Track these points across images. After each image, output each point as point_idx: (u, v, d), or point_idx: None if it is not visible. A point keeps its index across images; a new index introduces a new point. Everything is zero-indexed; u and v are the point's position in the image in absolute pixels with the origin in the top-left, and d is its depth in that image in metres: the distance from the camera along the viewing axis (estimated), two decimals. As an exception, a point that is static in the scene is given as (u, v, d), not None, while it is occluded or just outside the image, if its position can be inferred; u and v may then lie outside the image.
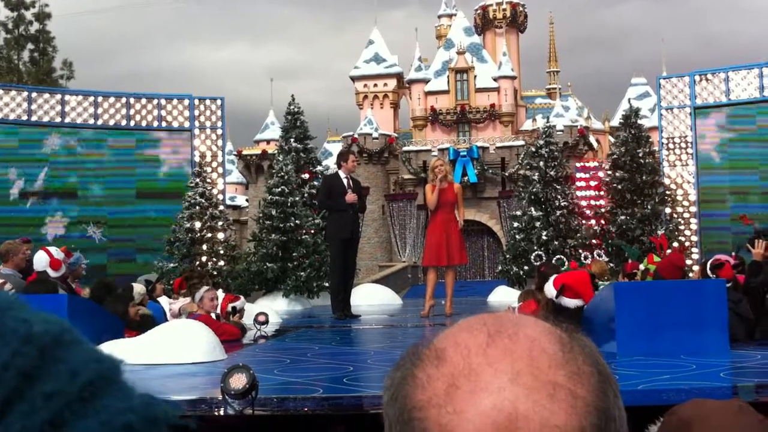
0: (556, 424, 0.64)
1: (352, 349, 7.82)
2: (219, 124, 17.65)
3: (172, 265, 14.88)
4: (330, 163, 30.49)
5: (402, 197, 53.52)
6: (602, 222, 18.48)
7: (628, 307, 5.99)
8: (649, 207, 17.53)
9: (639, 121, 18.87)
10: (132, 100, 17.34)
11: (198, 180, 15.82)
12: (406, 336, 8.77)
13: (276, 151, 22.68)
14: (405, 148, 55.25)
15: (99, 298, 7.73)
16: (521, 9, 62.96)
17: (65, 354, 0.56)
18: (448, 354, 0.70)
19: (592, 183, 22.43)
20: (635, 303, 6.05)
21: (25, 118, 16.59)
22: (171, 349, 5.87)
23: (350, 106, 65.34)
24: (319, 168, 21.89)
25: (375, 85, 60.23)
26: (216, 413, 4.05)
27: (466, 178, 51.04)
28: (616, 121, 43.77)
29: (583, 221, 18.81)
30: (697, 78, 17.95)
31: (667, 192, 17.82)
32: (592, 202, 20.49)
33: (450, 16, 65.62)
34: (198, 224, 15.44)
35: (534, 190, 17.96)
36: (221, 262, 15.44)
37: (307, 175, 20.47)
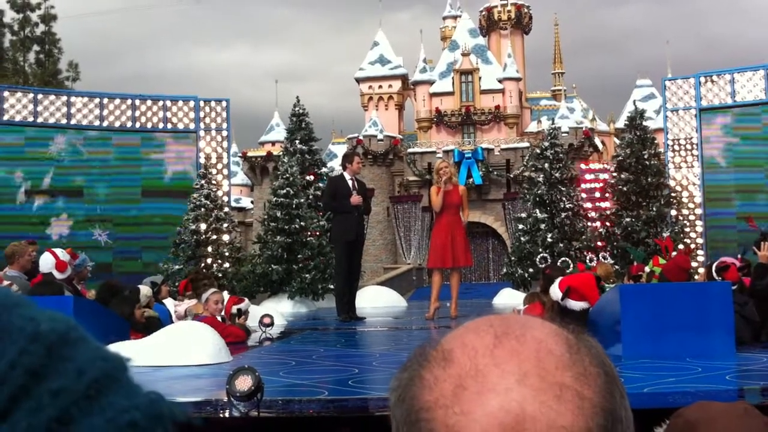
0: (563, 425, 0.64)
1: (357, 351, 7.82)
2: (224, 125, 17.67)
3: (177, 266, 14.91)
4: (335, 165, 30.51)
5: (407, 199, 53.52)
6: (607, 224, 18.45)
7: (633, 310, 5.98)
8: (654, 209, 17.50)
9: (644, 123, 18.83)
10: (137, 102, 17.38)
11: (203, 182, 15.84)
12: (411, 338, 8.76)
13: (281, 153, 22.70)
14: (410, 150, 55.25)
15: (104, 300, 7.74)
16: (526, 10, 62.94)
17: (72, 352, 0.57)
18: (455, 355, 0.70)
19: (597, 185, 22.40)
20: (641, 305, 6.04)
21: (31, 119, 16.64)
22: (176, 351, 5.88)
23: (355, 108, 65.26)
24: (324, 170, 21.91)
25: (380, 86, 60.23)
26: (221, 415, 4.05)
27: (470, 179, 51.03)
28: (621, 123, 43.76)
29: (588, 223, 18.79)
30: (702, 80, 17.93)
31: (673, 194, 17.79)
32: (597, 204, 20.47)
33: (455, 17, 65.61)
34: (203, 226, 15.46)
35: (539, 192, 17.94)
36: (226, 264, 15.45)
37: (312, 177, 20.49)
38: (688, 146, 17.89)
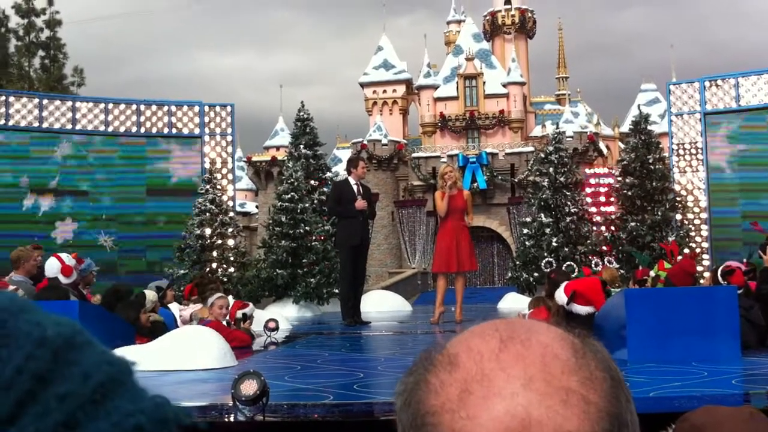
0: (569, 429, 0.64)
1: (362, 355, 7.82)
2: (229, 130, 17.69)
3: (182, 271, 14.92)
4: (339, 170, 30.52)
5: (411, 203, 53.52)
6: (612, 228, 18.42)
7: (639, 314, 5.97)
8: (659, 213, 17.47)
9: (649, 127, 18.81)
10: (142, 107, 17.42)
11: (208, 187, 15.86)
12: (416, 342, 8.76)
13: (285, 158, 22.74)
14: (414, 155, 55.26)
15: (110, 304, 7.76)
16: (530, 15, 62.95)
17: (78, 356, 0.57)
18: (461, 359, 0.70)
19: (602, 189, 22.37)
20: (646, 310, 6.04)
21: (36, 124, 16.69)
22: (182, 356, 5.89)
23: (359, 113, 65.39)
24: (328, 174, 21.94)
25: (384, 91, 60.27)
26: (226, 419, 4.06)
27: (475, 184, 51.01)
28: (625, 127, 43.65)
29: (594, 227, 18.76)
30: (707, 84, 17.91)
31: (678, 198, 17.76)
32: (602, 209, 20.44)
33: (459, 22, 65.66)
34: (208, 231, 15.48)
35: (544, 196, 17.93)
36: (231, 269, 15.47)
37: (316, 182, 20.51)
38: (693, 150, 17.87)
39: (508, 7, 62.32)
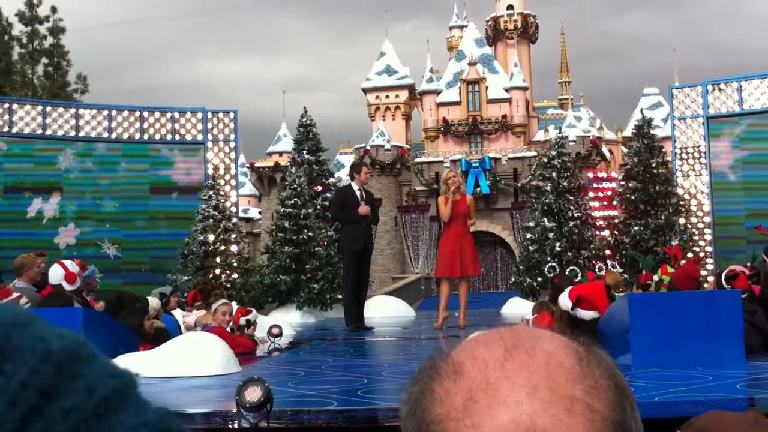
0: None
1: (366, 361, 7.81)
2: (232, 136, 17.71)
3: (185, 277, 14.93)
4: (342, 175, 30.53)
5: (414, 209, 53.52)
6: (615, 233, 18.40)
7: (642, 319, 5.96)
8: (662, 217, 17.44)
9: (652, 132, 18.79)
10: (146, 114, 17.45)
11: (211, 193, 15.88)
12: (419, 348, 8.75)
13: (288, 164, 22.73)
14: (417, 160, 55.28)
15: (113, 311, 7.76)
16: (532, 20, 62.99)
17: (82, 369, 0.57)
18: (466, 368, 0.70)
19: (606, 193, 22.35)
20: (650, 314, 6.03)
21: (39, 132, 16.73)
22: (186, 362, 5.88)
23: (362, 118, 65.44)
24: (331, 180, 21.93)
25: (387, 96, 60.32)
26: (230, 426, 4.05)
27: (478, 189, 51.02)
28: (628, 132, 43.58)
29: (597, 232, 18.75)
30: (710, 88, 17.90)
31: (681, 202, 17.74)
32: (606, 213, 20.42)
33: (461, 27, 65.73)
34: (211, 237, 15.49)
35: (547, 201, 17.92)
36: (235, 275, 15.47)
37: (319, 187, 20.51)
38: (696, 154, 17.86)
39: (511, 12, 62.37)
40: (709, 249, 17.51)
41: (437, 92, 58.14)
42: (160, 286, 14.27)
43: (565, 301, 6.95)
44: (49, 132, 16.78)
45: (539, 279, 16.76)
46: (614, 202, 19.42)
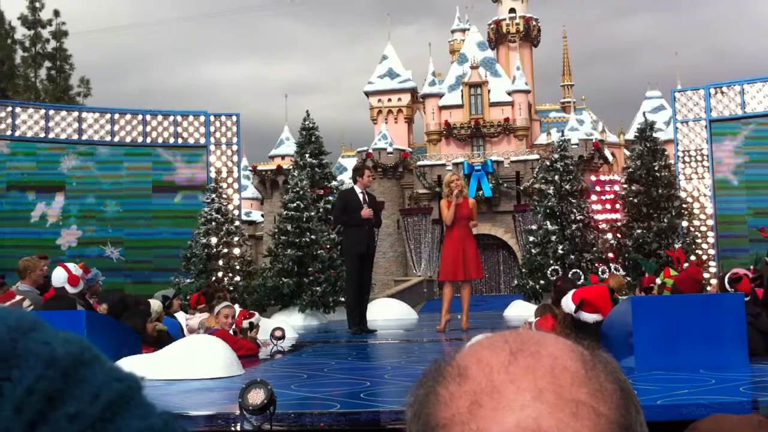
0: None
1: (368, 363, 7.81)
2: (234, 140, 17.74)
3: (188, 280, 14.95)
4: (345, 178, 30.54)
5: (417, 212, 53.49)
6: (618, 236, 18.39)
7: (646, 322, 5.95)
8: (665, 220, 17.44)
9: (654, 135, 18.79)
10: (148, 117, 17.48)
11: (214, 196, 15.89)
12: (422, 351, 8.75)
13: (291, 167, 22.74)
14: (419, 163, 55.27)
15: (116, 313, 7.76)
16: (534, 23, 62.97)
17: (86, 374, 0.57)
18: (471, 371, 0.70)
19: (608, 196, 22.34)
20: (653, 317, 6.02)
21: (42, 135, 16.76)
22: (189, 365, 5.89)
23: (364, 121, 65.40)
24: (333, 183, 21.93)
25: (389, 99, 60.32)
26: (233, 428, 4.06)
27: (480, 192, 50.98)
28: (631, 135, 43.64)
29: (599, 235, 18.74)
30: (712, 91, 17.91)
31: (684, 205, 17.73)
32: (608, 216, 20.41)
33: (463, 30, 65.71)
34: (214, 240, 15.51)
35: (549, 204, 17.92)
36: (237, 278, 15.48)
37: (322, 191, 20.51)
38: (699, 157, 17.86)
39: (513, 15, 62.34)
40: (712, 252, 17.50)
41: (439, 95, 58.13)
42: (163, 285, 14.36)
43: (568, 303, 6.95)
44: (51, 135, 16.81)
45: (542, 282, 16.75)
46: (617, 205, 19.42)
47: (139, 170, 17.23)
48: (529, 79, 59.67)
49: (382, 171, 53.83)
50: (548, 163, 19.25)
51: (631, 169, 18.71)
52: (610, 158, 55.32)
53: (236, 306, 9.44)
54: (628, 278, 14.63)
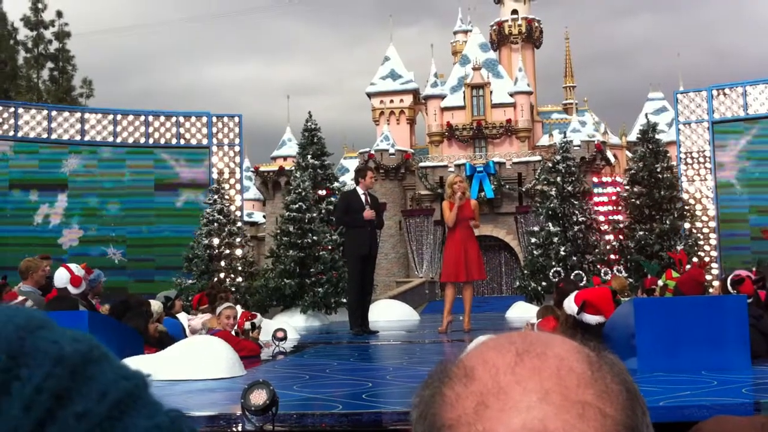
0: None
1: (370, 365, 7.81)
2: (237, 141, 17.75)
3: (190, 281, 14.95)
4: (347, 179, 30.54)
5: (419, 213, 53.50)
6: (620, 237, 18.39)
7: (648, 323, 5.95)
8: (667, 222, 17.43)
9: (656, 136, 18.79)
10: (151, 118, 17.50)
11: (216, 197, 15.91)
12: (424, 352, 8.75)
13: (293, 168, 22.76)
14: (421, 164, 55.28)
15: (118, 314, 7.77)
16: (537, 25, 62.98)
17: (95, 371, 0.57)
18: (477, 372, 0.70)
19: (610, 198, 22.34)
20: (655, 319, 6.02)
21: (45, 136, 16.77)
22: (191, 365, 5.89)
23: (367, 123, 65.46)
24: (336, 184, 21.94)
25: (391, 101, 60.36)
26: (235, 429, 4.06)
27: (482, 193, 50.99)
28: (633, 136, 43.60)
29: (602, 236, 18.74)
30: (714, 92, 17.90)
31: (686, 207, 17.72)
32: (610, 217, 20.41)
33: (465, 32, 65.71)
34: (216, 241, 15.52)
35: (551, 205, 17.91)
36: (239, 279, 15.49)
37: (324, 192, 20.52)
38: (701, 159, 17.85)
39: (515, 16, 62.36)
40: (714, 254, 17.49)
41: (441, 97, 58.15)
42: (165, 284, 14.38)
43: (570, 305, 6.94)
44: (54, 136, 16.83)
45: (544, 283, 16.75)
46: (619, 207, 19.42)
47: (141, 168, 17.26)
48: (531, 81, 59.67)
49: (384, 172, 53.83)
50: (550, 165, 19.25)
51: (633, 171, 18.71)
52: (612, 160, 55.30)
53: (238, 307, 9.45)
54: (631, 280, 14.63)
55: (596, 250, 17.69)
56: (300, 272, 15.26)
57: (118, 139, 17.22)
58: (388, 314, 15.02)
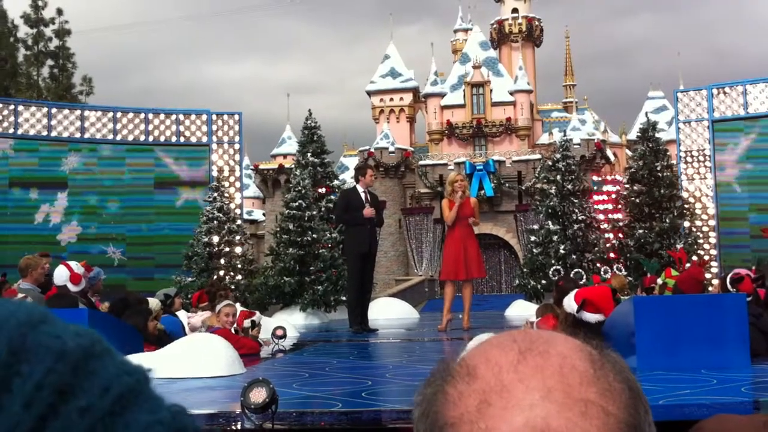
0: None
1: (370, 363, 7.81)
2: (236, 138, 17.75)
3: (190, 279, 14.95)
4: (346, 177, 30.52)
5: (418, 211, 53.49)
6: (620, 236, 18.40)
7: (647, 322, 5.95)
8: (667, 221, 17.44)
9: (656, 135, 18.79)
10: (151, 116, 17.50)
11: (216, 194, 15.91)
12: (423, 350, 8.75)
13: (293, 166, 22.75)
14: (421, 162, 55.28)
15: (118, 312, 7.77)
16: (537, 23, 62.96)
17: (97, 366, 0.57)
18: (480, 370, 0.70)
19: (610, 196, 22.35)
20: (655, 317, 6.02)
21: (45, 133, 16.77)
22: (191, 363, 5.89)
23: (366, 121, 65.43)
24: (335, 182, 21.93)
25: (391, 99, 60.37)
26: (234, 427, 4.05)
27: (482, 191, 50.98)
28: (633, 135, 43.61)
29: (601, 235, 18.74)
30: (714, 91, 17.90)
31: (686, 205, 17.73)
32: (610, 216, 20.42)
33: (466, 30, 65.70)
34: (216, 238, 15.52)
35: (551, 203, 17.91)
36: (239, 276, 15.49)
37: (323, 190, 20.51)
38: (701, 158, 17.86)
39: (516, 15, 62.34)
40: (713, 252, 17.50)
41: (441, 95, 58.14)
42: (165, 281, 14.38)
43: (570, 303, 6.94)
44: (54, 134, 16.82)
45: (543, 282, 16.76)
46: (619, 205, 19.42)
47: (141, 166, 17.26)
48: (532, 79, 59.67)
49: (384, 170, 53.83)
50: (550, 163, 19.25)
51: (633, 170, 18.72)
52: (612, 158, 55.30)
53: (238, 305, 9.45)
54: (630, 278, 14.63)
55: (596, 249, 17.69)
56: (299, 270, 15.26)
57: (118, 137, 17.22)
58: (388, 312, 15.02)
